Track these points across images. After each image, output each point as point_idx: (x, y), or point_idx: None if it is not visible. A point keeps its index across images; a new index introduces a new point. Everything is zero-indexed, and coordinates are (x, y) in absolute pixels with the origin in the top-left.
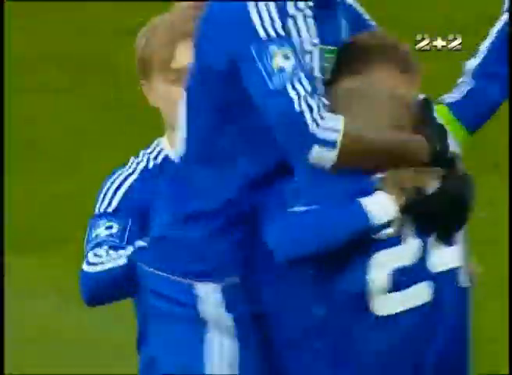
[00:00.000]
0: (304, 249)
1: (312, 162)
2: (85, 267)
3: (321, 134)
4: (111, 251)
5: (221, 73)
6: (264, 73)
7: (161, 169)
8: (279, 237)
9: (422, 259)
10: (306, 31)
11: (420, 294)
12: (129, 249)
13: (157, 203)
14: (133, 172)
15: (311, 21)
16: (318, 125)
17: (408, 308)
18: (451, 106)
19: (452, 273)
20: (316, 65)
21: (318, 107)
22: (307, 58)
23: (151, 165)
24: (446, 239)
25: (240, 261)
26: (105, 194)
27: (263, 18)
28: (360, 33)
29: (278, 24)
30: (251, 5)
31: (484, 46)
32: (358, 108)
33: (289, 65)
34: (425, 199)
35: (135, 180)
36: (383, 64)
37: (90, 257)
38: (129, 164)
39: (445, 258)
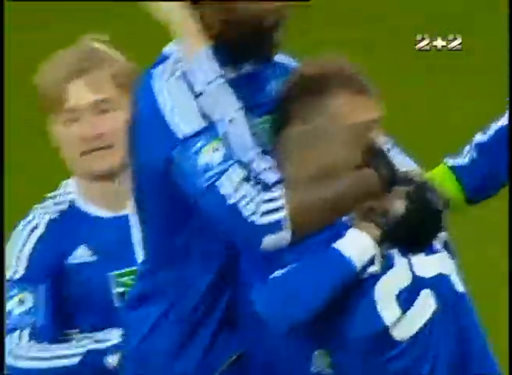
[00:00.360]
0: (298, 313)
1: (268, 248)
2: (11, 360)
3: (265, 220)
4: (49, 348)
5: (159, 175)
6: (192, 174)
7: (67, 217)
8: (270, 310)
9: (412, 272)
10: (225, 101)
11: (426, 304)
12: (78, 348)
13: (122, 311)
14: (36, 226)
15: (226, 89)
16: (258, 213)
17: (424, 322)
18: (454, 168)
19: (444, 279)
20: (245, 130)
21: (256, 192)
22: (233, 127)
23: (57, 214)
24: (426, 248)
25: (214, 361)
26: (10, 257)
27: (177, 112)
28: (310, 61)
29: (194, 113)
30: (163, 103)
31: (496, 125)
32: (312, 152)
33: (218, 157)
34: (398, 222)
35: (41, 236)
36: (339, 89)
37: (15, 348)
38: (32, 215)
39: (431, 264)
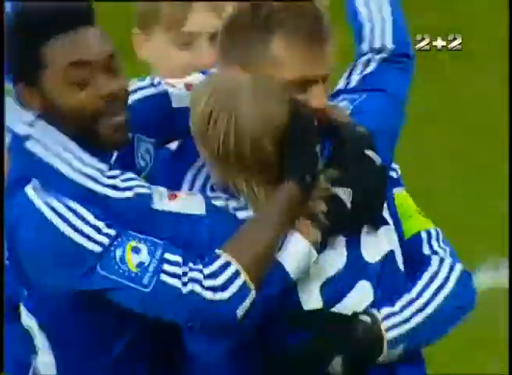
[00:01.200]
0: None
1: (241, 316)
2: None
3: (230, 292)
4: None
5: (80, 295)
6: (130, 281)
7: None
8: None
9: (356, 255)
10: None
11: (362, 296)
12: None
13: None
14: None
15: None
16: (217, 288)
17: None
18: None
19: (389, 258)
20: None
21: (201, 268)
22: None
23: None
24: (371, 224)
25: None
26: None
27: (77, 226)
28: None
29: (96, 222)
30: (60, 225)
31: None
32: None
33: (144, 255)
34: (339, 215)
35: None
36: (284, 35)
37: None
38: None
39: (378, 244)
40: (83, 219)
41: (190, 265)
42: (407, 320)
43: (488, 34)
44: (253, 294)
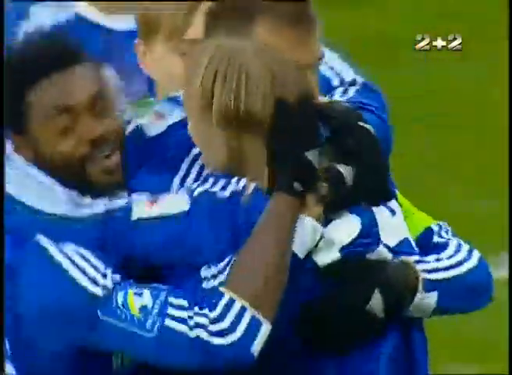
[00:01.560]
0: None
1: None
2: None
3: (237, 334)
4: None
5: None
6: (135, 334)
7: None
8: None
9: (373, 230)
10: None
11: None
12: None
13: None
14: None
15: None
16: (226, 331)
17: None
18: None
19: (406, 243)
20: None
21: (206, 314)
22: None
23: None
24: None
25: None
26: None
27: (86, 271)
28: None
29: (100, 265)
30: (68, 265)
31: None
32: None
33: (147, 297)
34: (339, 182)
35: None
36: (265, 17)
37: None
38: None
39: (392, 228)
40: (88, 262)
41: (196, 309)
42: (437, 269)
43: (488, 34)
44: (265, 326)
